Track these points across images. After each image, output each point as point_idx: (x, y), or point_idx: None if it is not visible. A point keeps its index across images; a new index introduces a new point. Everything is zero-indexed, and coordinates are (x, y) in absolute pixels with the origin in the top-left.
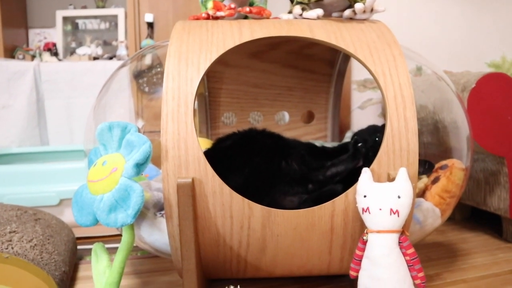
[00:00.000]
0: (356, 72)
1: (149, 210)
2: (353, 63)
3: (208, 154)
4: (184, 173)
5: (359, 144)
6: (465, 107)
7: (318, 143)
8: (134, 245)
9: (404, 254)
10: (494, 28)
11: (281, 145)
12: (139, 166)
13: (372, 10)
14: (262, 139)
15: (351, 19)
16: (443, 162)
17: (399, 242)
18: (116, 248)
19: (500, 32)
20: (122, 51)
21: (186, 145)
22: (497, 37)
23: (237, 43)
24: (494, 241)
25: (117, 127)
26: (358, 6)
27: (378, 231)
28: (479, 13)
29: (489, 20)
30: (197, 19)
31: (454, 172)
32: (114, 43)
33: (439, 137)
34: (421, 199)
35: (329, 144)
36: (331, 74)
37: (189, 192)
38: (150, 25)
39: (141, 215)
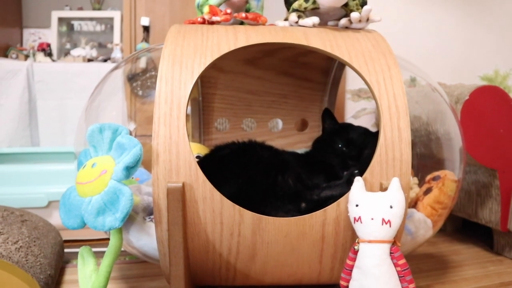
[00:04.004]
0: (351, 82)
1: (138, 214)
2: (348, 72)
3: (205, 160)
4: (174, 178)
5: (356, 171)
6: (458, 118)
7: (300, 151)
8: (122, 249)
9: (395, 265)
10: (488, 42)
11: (279, 160)
12: (129, 169)
13: (367, 19)
14: (260, 151)
15: (346, 28)
16: (436, 173)
17: (391, 253)
18: (104, 252)
19: (493, 46)
20: (117, 53)
21: (177, 150)
22: (490, 51)
23: (232, 48)
24: (485, 254)
25: (108, 129)
26: (354, 15)
27: (370, 241)
28: (473, 27)
29: (482, 34)
30: (193, 23)
31: (446, 184)
32: (109, 45)
33: (432, 148)
34: (413, 210)
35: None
36: (326, 82)
37: (179, 197)
38: (146, 28)
39: (130, 219)
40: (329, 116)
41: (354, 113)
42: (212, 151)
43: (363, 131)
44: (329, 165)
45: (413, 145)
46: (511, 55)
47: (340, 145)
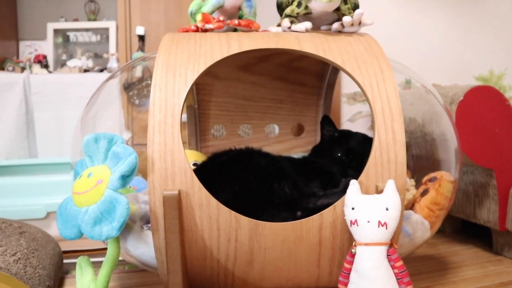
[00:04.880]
0: (346, 85)
1: (135, 223)
2: (343, 76)
3: (202, 168)
4: (170, 185)
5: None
6: (453, 119)
7: (297, 155)
8: (121, 258)
9: (393, 267)
10: (482, 42)
11: (276, 167)
12: (125, 178)
13: (360, 23)
14: (257, 158)
15: (339, 32)
16: (432, 175)
17: (388, 255)
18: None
19: (487, 46)
20: (113, 63)
21: (172, 157)
22: (484, 51)
23: (225, 55)
24: (484, 254)
25: (104, 139)
26: (346, 19)
27: (366, 244)
28: (467, 28)
29: (477, 34)
30: (186, 31)
31: (443, 185)
32: (105, 55)
33: (428, 149)
34: (410, 212)
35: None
36: (321, 86)
37: (176, 205)
38: (142, 38)
39: (127, 228)
40: (328, 123)
41: (350, 116)
42: (209, 158)
43: (362, 138)
44: (328, 171)
45: (409, 146)
46: (506, 55)
47: (339, 154)
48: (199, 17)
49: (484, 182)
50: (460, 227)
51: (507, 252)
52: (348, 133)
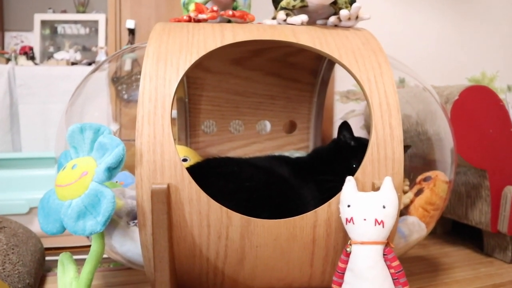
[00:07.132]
0: (339, 83)
1: (121, 219)
2: (336, 74)
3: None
4: (159, 179)
5: None
6: (449, 118)
7: (288, 153)
8: (106, 256)
9: (389, 267)
10: (475, 44)
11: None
12: (111, 170)
13: (357, 17)
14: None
15: (336, 26)
16: (427, 174)
17: (384, 254)
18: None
19: (479, 49)
20: (102, 57)
21: (162, 149)
22: (477, 53)
23: (219, 45)
24: (475, 255)
25: (89, 129)
26: (343, 12)
27: (362, 243)
28: (460, 30)
29: (469, 36)
30: (179, 21)
31: (437, 184)
32: (94, 49)
33: (423, 148)
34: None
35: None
36: (314, 83)
37: (164, 199)
38: (131, 31)
39: (113, 223)
40: (346, 129)
41: (343, 115)
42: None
43: None
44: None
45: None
46: (498, 58)
47: (355, 166)
48: (192, 7)
49: (477, 183)
50: (450, 228)
51: (498, 254)
52: (366, 143)
